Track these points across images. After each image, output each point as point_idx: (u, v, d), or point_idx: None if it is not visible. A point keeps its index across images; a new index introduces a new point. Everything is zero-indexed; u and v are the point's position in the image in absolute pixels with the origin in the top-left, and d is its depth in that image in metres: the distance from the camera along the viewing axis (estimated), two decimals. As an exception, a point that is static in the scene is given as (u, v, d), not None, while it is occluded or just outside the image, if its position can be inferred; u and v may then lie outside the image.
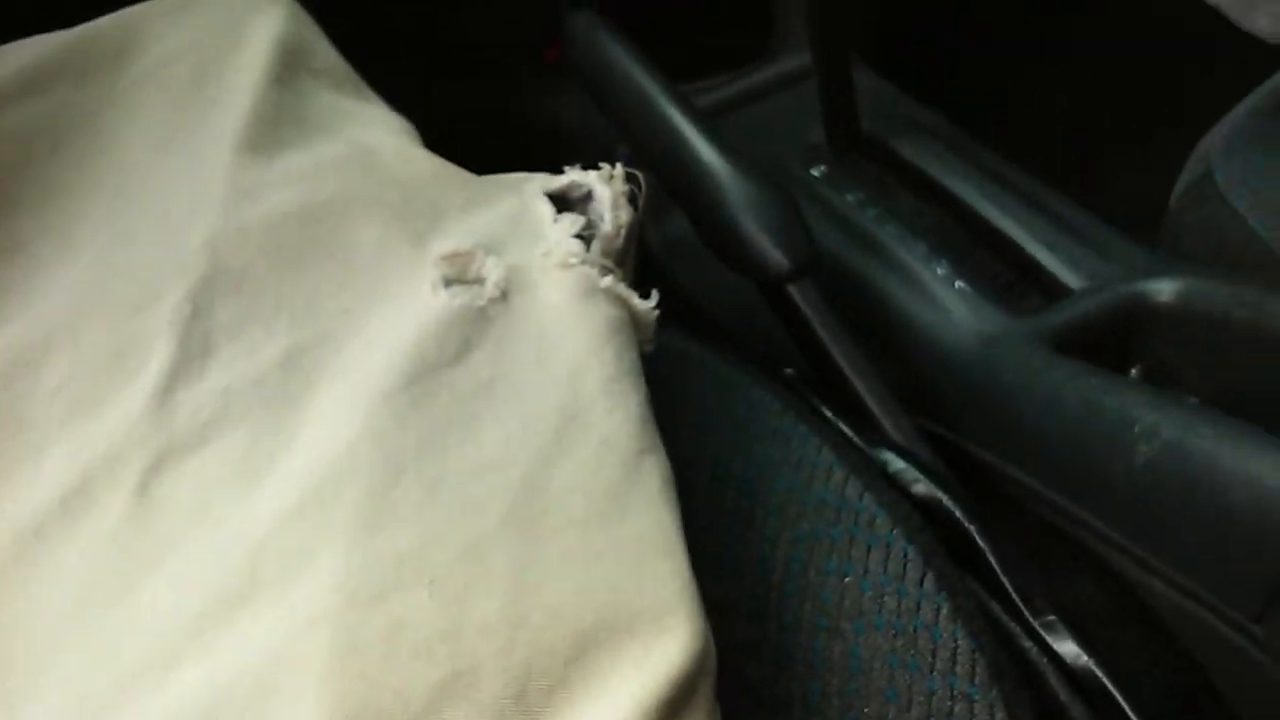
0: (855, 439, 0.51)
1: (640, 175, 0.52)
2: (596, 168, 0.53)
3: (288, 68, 0.54)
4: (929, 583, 0.43)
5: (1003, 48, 1.10)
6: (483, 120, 0.95)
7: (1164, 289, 0.60)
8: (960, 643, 0.42)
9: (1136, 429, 0.52)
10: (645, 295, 0.48)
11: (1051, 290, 0.64)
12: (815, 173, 0.76)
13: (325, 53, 0.57)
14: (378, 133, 0.53)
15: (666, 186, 0.65)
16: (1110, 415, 0.53)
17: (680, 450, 0.44)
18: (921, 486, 0.49)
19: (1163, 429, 0.51)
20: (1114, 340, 0.60)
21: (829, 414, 0.52)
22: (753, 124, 0.82)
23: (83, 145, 0.50)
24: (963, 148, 0.74)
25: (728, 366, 0.54)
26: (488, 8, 1.02)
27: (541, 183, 0.52)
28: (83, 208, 0.48)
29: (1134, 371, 0.60)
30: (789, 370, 0.57)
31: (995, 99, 0.98)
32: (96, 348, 0.43)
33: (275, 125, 0.51)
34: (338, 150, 0.50)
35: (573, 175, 0.52)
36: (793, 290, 0.60)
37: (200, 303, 0.44)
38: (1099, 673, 0.45)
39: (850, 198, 0.72)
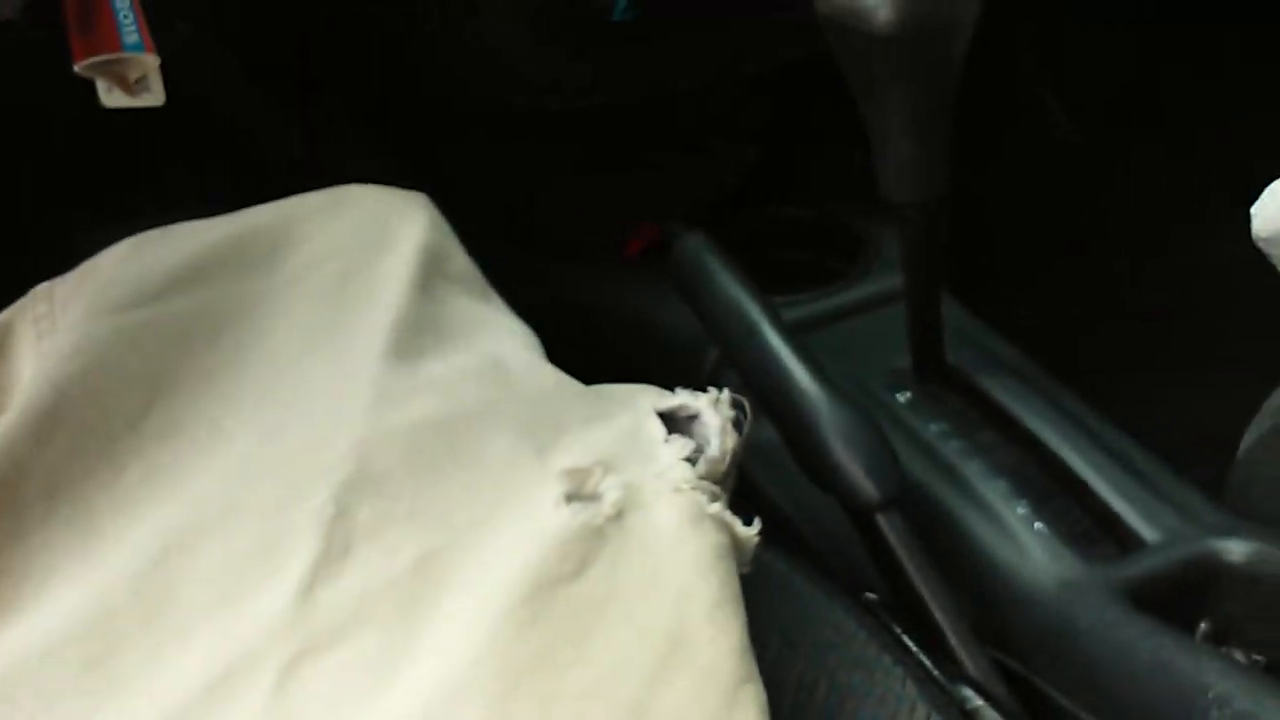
0: (936, 672, 0.53)
1: (745, 401, 0.55)
2: (701, 387, 0.56)
3: (428, 274, 0.58)
4: None
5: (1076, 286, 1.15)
6: (565, 308, 1.00)
7: (1235, 550, 0.62)
8: None
9: (1210, 695, 0.54)
10: (747, 520, 0.50)
11: (1126, 540, 0.66)
12: (900, 398, 0.79)
13: (460, 257, 0.61)
14: (507, 343, 0.56)
15: (759, 401, 0.68)
16: (1183, 678, 0.55)
17: (764, 671, 0.46)
18: (998, 727, 0.51)
19: (1235, 699, 0.53)
20: (1185, 595, 0.62)
21: (911, 645, 0.54)
22: (839, 343, 0.86)
23: (238, 337, 0.54)
24: (1044, 389, 0.77)
25: (812, 586, 0.56)
26: (571, 205, 1.07)
27: (653, 400, 0.55)
28: (236, 397, 0.52)
29: (1203, 626, 0.62)
30: (871, 595, 0.59)
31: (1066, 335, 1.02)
32: (246, 539, 0.46)
33: (417, 332, 0.54)
34: (472, 361, 0.54)
35: (683, 397, 0.55)
36: (880, 519, 0.63)
37: (343, 504, 0.47)
38: None
39: (934, 428, 0.75)
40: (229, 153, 0.97)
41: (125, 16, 0.62)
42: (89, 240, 0.60)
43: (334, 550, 0.45)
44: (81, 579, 0.45)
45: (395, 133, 1.05)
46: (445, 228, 0.62)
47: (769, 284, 0.77)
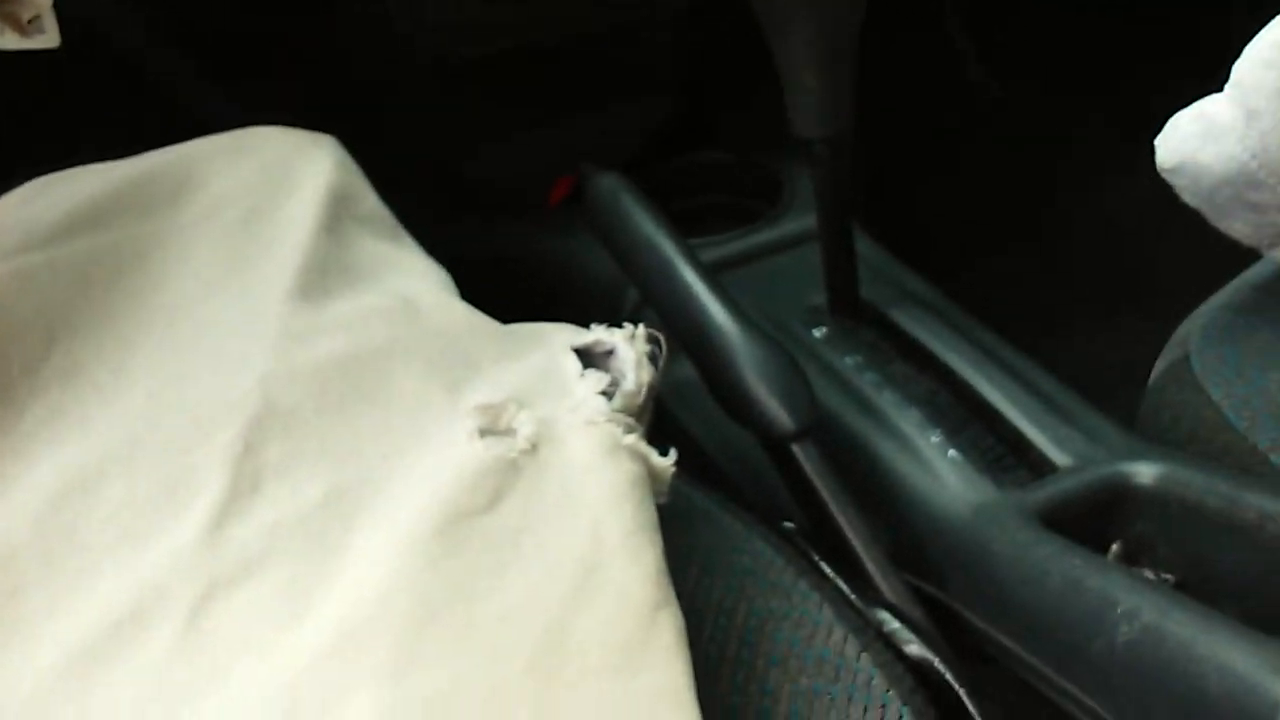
0: (853, 597, 0.54)
1: (661, 336, 0.55)
2: (619, 325, 0.56)
3: (335, 215, 0.57)
4: None
5: (989, 217, 1.16)
6: (488, 260, 1.00)
7: (1144, 472, 0.63)
8: None
9: (1119, 610, 0.55)
10: (663, 450, 0.51)
11: (1038, 466, 0.68)
12: (816, 334, 0.79)
13: (369, 199, 0.61)
14: (418, 283, 0.56)
15: (677, 339, 0.68)
16: (1093, 595, 0.56)
17: (684, 598, 0.46)
18: (915, 648, 0.52)
19: (1143, 612, 0.54)
20: (1096, 517, 0.64)
21: (828, 571, 0.55)
22: (756, 281, 0.86)
23: (140, 279, 0.53)
24: (956, 321, 0.78)
25: (730, 516, 0.57)
26: (495, 155, 1.07)
27: (568, 337, 0.55)
28: (138, 339, 0.51)
29: (1114, 548, 0.63)
30: (788, 524, 0.60)
31: (980, 268, 1.03)
32: (150, 478, 0.46)
33: (324, 272, 0.54)
34: (381, 300, 0.54)
35: (598, 333, 0.55)
36: (796, 449, 0.64)
37: (251, 441, 0.46)
38: None
39: (849, 361, 0.76)
40: (125, 101, 0.95)
41: (15, -46, 0.60)
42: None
43: (242, 487, 0.45)
44: (-20, 521, 0.44)
45: (310, 88, 1.03)
46: (354, 169, 0.62)
47: (688, 228, 0.78)
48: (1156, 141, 0.64)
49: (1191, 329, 0.69)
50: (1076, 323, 1.08)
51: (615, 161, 1.00)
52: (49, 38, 0.62)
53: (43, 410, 0.48)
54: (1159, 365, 0.71)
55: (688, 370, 0.69)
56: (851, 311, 0.80)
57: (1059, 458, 0.67)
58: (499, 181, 1.08)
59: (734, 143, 1.07)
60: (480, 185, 1.09)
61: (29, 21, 0.62)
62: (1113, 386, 0.72)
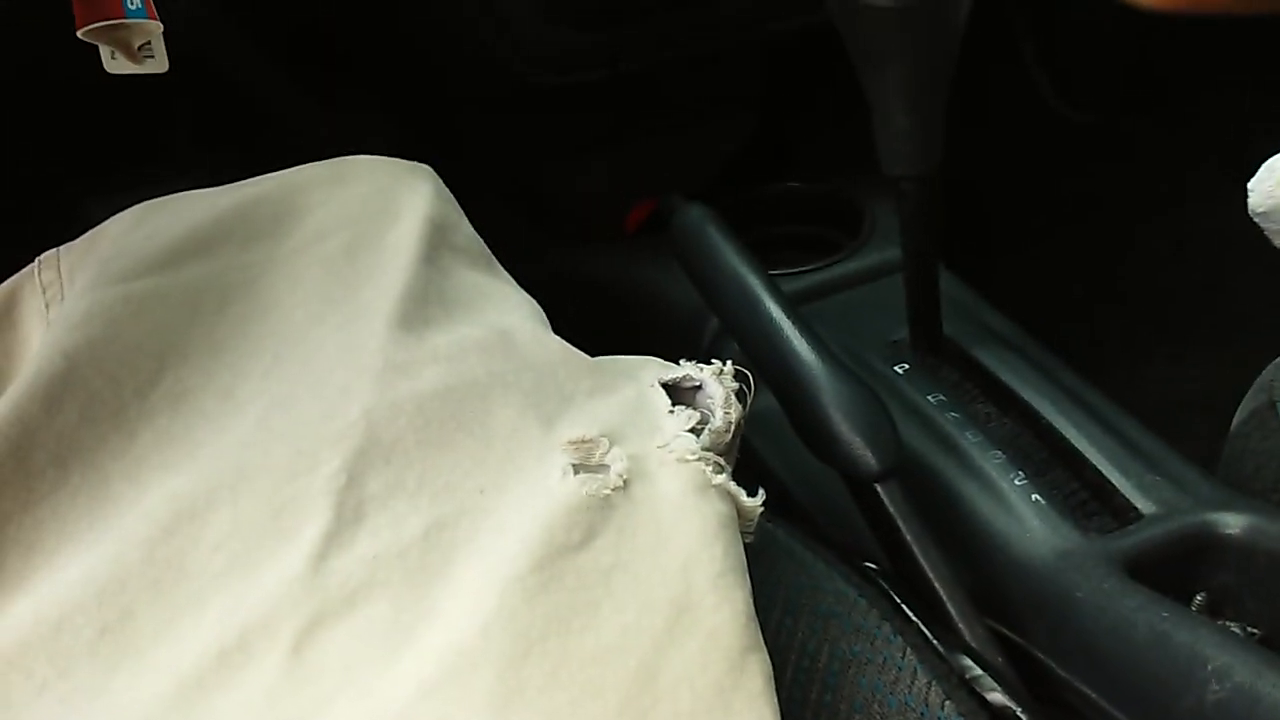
0: (935, 642, 0.54)
1: (749, 373, 0.56)
2: (699, 354, 0.56)
3: (433, 245, 0.58)
4: None
5: (1065, 247, 1.16)
6: (569, 284, 1.01)
7: (1230, 522, 0.63)
8: None
9: (1209, 667, 0.55)
10: (751, 490, 0.51)
11: (1122, 512, 0.67)
12: (898, 370, 0.79)
13: (464, 229, 0.62)
14: (512, 314, 0.57)
15: (761, 373, 0.68)
16: (1182, 650, 0.56)
17: (766, 638, 0.47)
18: (997, 695, 0.52)
19: (1235, 671, 0.54)
20: (1180, 567, 0.63)
21: (912, 615, 0.55)
22: (838, 314, 0.87)
23: (246, 307, 0.54)
24: (1039, 360, 0.78)
25: (813, 555, 0.57)
26: (573, 176, 1.08)
27: (657, 372, 0.55)
28: (245, 366, 0.52)
29: (1198, 598, 0.63)
30: (871, 565, 0.60)
31: (1057, 297, 1.02)
32: (257, 507, 0.46)
33: (424, 303, 0.55)
34: (478, 332, 0.54)
35: (687, 369, 0.55)
36: (880, 489, 0.64)
37: (355, 472, 0.47)
38: None
39: (932, 399, 0.76)
40: (234, 122, 0.97)
41: (127, -18, 0.62)
42: (94, 208, 0.60)
43: (346, 518, 0.46)
44: (93, 546, 0.46)
45: (401, 104, 1.05)
46: (450, 199, 0.62)
47: (769, 257, 0.78)
48: (1250, 185, 0.63)
49: (1276, 375, 0.69)
50: (1156, 353, 1.08)
51: (693, 186, 1.01)
52: (158, 63, 0.64)
53: (153, 435, 0.49)
54: (1242, 411, 0.70)
55: (767, 401, 0.69)
56: (934, 348, 0.80)
57: (1143, 505, 0.67)
58: (576, 203, 1.10)
59: (814, 171, 1.07)
60: (558, 206, 1.10)
61: (139, 48, 0.63)
62: (1190, 419, 0.72)
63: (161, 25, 0.61)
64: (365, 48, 1.01)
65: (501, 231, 0.64)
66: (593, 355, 0.56)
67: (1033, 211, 1.20)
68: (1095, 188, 1.23)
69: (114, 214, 0.59)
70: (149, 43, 0.63)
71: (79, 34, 0.61)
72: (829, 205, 1.02)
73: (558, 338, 0.57)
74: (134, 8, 0.61)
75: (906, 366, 0.80)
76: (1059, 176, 1.23)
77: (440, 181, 0.63)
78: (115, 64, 0.64)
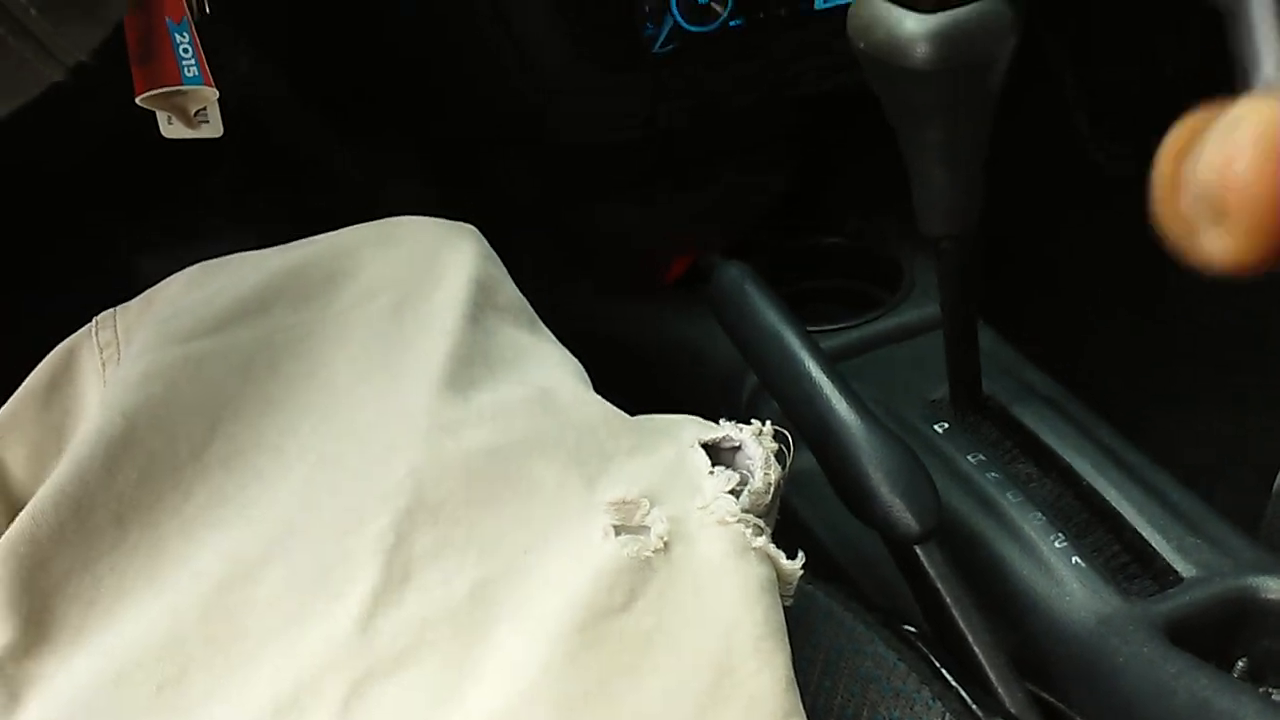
0: (975, 707, 0.54)
1: (788, 434, 0.56)
2: (738, 411, 0.57)
3: (478, 304, 0.59)
4: None
5: (1108, 297, 1.15)
6: (607, 338, 1.01)
7: (1273, 587, 0.63)
8: None
9: None
10: (790, 553, 0.51)
11: (1163, 575, 0.67)
12: (938, 429, 0.80)
13: (509, 289, 0.63)
14: (555, 373, 0.58)
15: (800, 432, 0.69)
16: (1223, 718, 0.56)
17: (805, 700, 0.47)
18: (1036, 761, 0.52)
19: (1275, 741, 0.54)
20: (1222, 631, 0.63)
21: (951, 679, 0.55)
22: (876, 371, 0.87)
23: (297, 366, 0.55)
24: (1080, 418, 0.78)
25: (852, 617, 0.57)
26: (611, 226, 1.08)
27: (697, 431, 0.56)
28: (296, 425, 0.53)
29: (1240, 664, 0.63)
30: (910, 628, 0.60)
31: (1099, 348, 1.02)
32: (307, 565, 0.47)
33: (469, 362, 0.56)
34: (522, 391, 0.55)
35: (727, 429, 0.56)
36: (920, 551, 0.64)
37: (402, 531, 0.48)
38: None
39: (971, 459, 0.76)
40: (275, 169, 0.99)
41: (185, 50, 0.63)
42: (145, 264, 0.61)
43: (394, 577, 0.47)
44: (150, 603, 0.47)
45: (441, 161, 1.06)
46: (494, 259, 0.64)
47: (806, 310, 0.78)
48: None
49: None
50: (1201, 404, 1.07)
51: (730, 236, 1.02)
52: (213, 128, 0.66)
53: (207, 494, 0.50)
54: (1282, 475, 0.70)
55: (807, 460, 0.69)
56: (974, 407, 0.80)
57: (1184, 568, 0.67)
58: (613, 253, 1.10)
59: (852, 224, 1.08)
60: (595, 257, 1.11)
61: (195, 113, 0.65)
62: (1238, 473, 0.72)
63: (218, 92, 0.63)
64: (405, 108, 1.02)
65: (540, 290, 0.65)
66: (631, 410, 0.57)
67: (1071, 263, 1.20)
68: (1135, 239, 1.22)
69: (164, 270, 0.61)
70: (204, 108, 0.65)
71: (138, 100, 0.62)
72: (867, 260, 1.02)
73: (598, 396, 0.58)
74: (191, 75, 0.63)
75: (946, 425, 0.80)
76: (1097, 228, 1.23)
77: (484, 241, 0.64)
78: (172, 129, 0.65)
